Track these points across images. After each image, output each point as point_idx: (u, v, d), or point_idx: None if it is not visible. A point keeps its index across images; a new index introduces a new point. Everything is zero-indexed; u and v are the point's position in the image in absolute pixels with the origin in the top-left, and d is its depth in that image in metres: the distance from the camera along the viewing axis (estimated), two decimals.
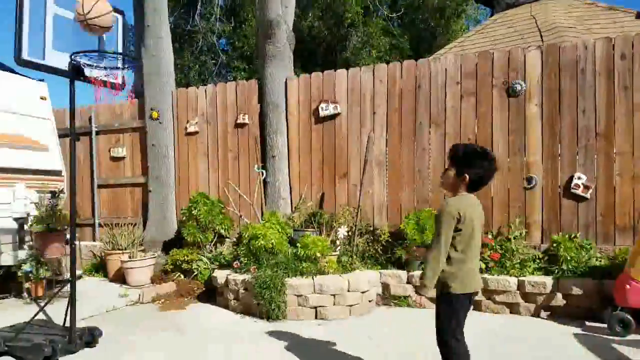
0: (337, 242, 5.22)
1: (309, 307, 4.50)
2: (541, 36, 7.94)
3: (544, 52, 4.98)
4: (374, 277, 4.88)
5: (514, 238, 4.84)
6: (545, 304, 4.41)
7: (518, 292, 4.49)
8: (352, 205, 5.59)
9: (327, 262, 4.79)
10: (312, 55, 13.87)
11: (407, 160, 5.47)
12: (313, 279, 4.58)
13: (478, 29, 9.80)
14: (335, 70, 5.87)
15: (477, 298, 4.36)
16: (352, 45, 13.49)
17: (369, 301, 4.77)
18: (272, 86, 6.06)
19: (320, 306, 4.50)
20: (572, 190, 4.78)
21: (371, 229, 5.49)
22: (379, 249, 5.27)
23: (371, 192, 5.58)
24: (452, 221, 2.33)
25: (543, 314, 4.43)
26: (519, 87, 5.01)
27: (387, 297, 4.95)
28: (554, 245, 4.65)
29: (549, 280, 4.40)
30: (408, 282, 4.87)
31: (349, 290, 4.55)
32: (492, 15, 10.72)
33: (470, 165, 2.38)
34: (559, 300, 4.36)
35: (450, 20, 14.87)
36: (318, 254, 4.77)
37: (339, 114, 5.76)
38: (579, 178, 4.77)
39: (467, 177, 2.38)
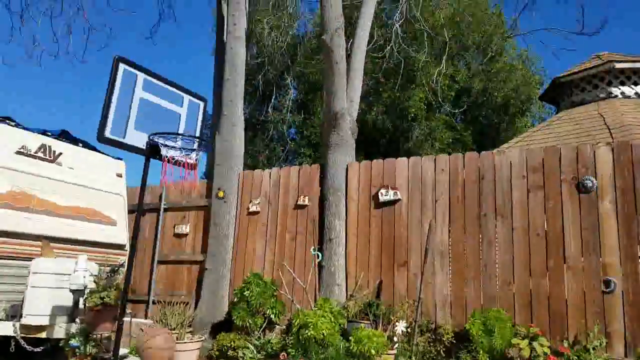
0: (395, 339, 4.86)
1: None
2: (610, 133, 7.67)
3: (615, 149, 4.78)
4: None
5: (593, 349, 4.30)
6: None
7: None
8: (411, 296, 5.30)
9: None
10: (376, 145, 14.22)
11: (472, 253, 5.19)
12: None
13: (543, 125, 9.70)
14: (396, 158, 5.93)
15: None
16: (414, 137, 13.74)
17: None
18: (334, 171, 6.20)
19: None
20: None
21: (433, 326, 5.10)
22: (441, 351, 4.84)
23: (433, 284, 5.30)
24: None
25: None
26: (589, 184, 4.76)
27: None
28: None
29: None
30: None
31: None
32: (557, 113, 10.62)
33: None
34: None
35: (514, 117, 14.87)
36: (373, 352, 4.42)
37: (399, 200, 5.70)
38: None
39: None
